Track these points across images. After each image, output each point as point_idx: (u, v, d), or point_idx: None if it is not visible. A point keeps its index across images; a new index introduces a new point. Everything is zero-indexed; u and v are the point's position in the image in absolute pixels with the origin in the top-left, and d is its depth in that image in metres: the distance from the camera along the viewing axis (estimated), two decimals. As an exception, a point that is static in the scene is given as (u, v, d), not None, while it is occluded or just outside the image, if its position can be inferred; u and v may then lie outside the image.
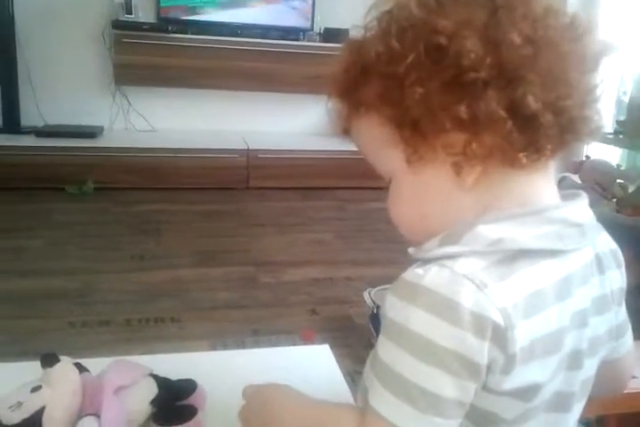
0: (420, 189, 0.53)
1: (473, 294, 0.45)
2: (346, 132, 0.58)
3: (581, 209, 0.53)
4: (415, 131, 0.49)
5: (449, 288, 0.45)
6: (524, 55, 0.46)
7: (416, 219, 0.54)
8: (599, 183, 1.97)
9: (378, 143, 0.53)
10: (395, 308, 0.47)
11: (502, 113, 0.46)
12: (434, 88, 0.47)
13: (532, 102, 0.46)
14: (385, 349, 0.47)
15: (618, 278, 0.58)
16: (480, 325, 0.44)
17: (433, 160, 0.50)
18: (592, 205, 0.54)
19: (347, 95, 0.55)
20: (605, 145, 2.69)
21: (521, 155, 0.48)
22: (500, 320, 0.45)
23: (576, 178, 2.01)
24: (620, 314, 0.60)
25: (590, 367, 0.56)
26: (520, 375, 0.47)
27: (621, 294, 0.59)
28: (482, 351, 0.45)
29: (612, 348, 0.59)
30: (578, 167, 2.03)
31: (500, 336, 0.45)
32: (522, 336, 0.46)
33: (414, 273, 0.47)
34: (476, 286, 0.45)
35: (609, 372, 0.61)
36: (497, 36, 0.46)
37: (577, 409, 0.56)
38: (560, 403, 0.54)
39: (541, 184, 0.52)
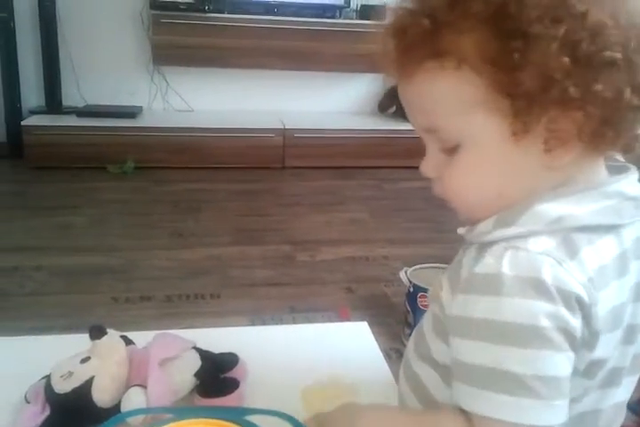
0: (508, 164, 0.48)
1: (554, 270, 0.44)
2: (402, 77, 0.50)
3: (634, 182, 0.51)
4: (532, 104, 0.44)
5: (530, 268, 0.44)
6: None
7: (492, 196, 0.50)
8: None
9: (463, 105, 0.47)
10: (479, 305, 0.45)
11: (628, 95, 0.44)
12: (571, 62, 0.43)
13: None
14: (478, 351, 0.46)
15: None
16: (567, 299, 0.44)
17: (533, 135, 0.46)
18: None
19: (431, 39, 0.46)
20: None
21: (626, 141, 0.47)
22: (584, 295, 0.44)
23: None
24: None
25: None
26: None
27: None
28: (576, 324, 0.44)
29: None
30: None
31: (585, 312, 0.45)
32: (600, 312, 0.46)
33: (485, 264, 0.46)
34: (556, 261, 0.44)
35: None
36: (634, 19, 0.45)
37: (625, 383, 0.56)
38: (613, 378, 0.53)
39: (601, 161, 0.52)
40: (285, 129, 3.53)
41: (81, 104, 3.53)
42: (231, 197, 3.08)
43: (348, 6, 3.67)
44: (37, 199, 2.90)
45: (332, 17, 3.66)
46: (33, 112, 3.44)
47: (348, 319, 1.87)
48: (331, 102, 3.96)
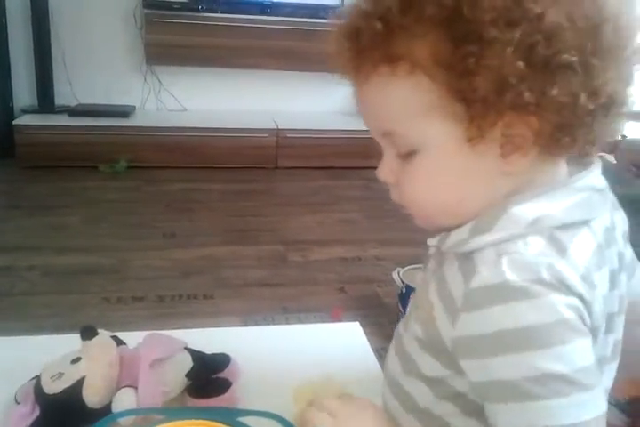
0: (466, 170, 0.48)
1: (552, 270, 0.44)
2: (357, 80, 0.50)
3: (599, 174, 0.52)
4: (487, 109, 0.43)
5: (530, 270, 0.43)
6: (614, 44, 0.44)
7: (452, 203, 0.49)
8: (635, 164, 1.93)
9: (417, 110, 0.46)
10: (492, 318, 0.44)
11: (584, 100, 0.43)
12: (526, 66, 0.42)
13: (610, 91, 0.45)
14: (511, 364, 0.43)
15: (621, 220, 0.56)
16: (573, 293, 0.44)
17: (489, 140, 0.45)
18: (627, 185, 0.54)
19: (384, 43, 0.45)
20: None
21: (582, 145, 0.47)
22: (584, 293, 0.44)
23: (611, 158, 1.98)
24: (629, 251, 0.58)
25: (619, 328, 0.55)
26: None
27: (626, 232, 0.57)
28: (586, 314, 0.44)
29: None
30: (614, 147, 1.99)
31: (587, 308, 0.45)
32: (596, 308, 0.46)
33: (482, 276, 0.44)
34: (552, 261, 0.44)
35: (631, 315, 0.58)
36: (594, 21, 0.44)
37: (607, 371, 0.55)
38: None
39: (562, 161, 0.51)
40: (278, 129, 3.53)
41: (73, 103, 3.51)
42: (224, 197, 3.07)
43: (342, 7, 3.66)
44: (29, 199, 2.89)
45: (326, 17, 3.64)
46: (25, 111, 3.42)
47: (339, 320, 1.87)
48: (324, 102, 3.96)
